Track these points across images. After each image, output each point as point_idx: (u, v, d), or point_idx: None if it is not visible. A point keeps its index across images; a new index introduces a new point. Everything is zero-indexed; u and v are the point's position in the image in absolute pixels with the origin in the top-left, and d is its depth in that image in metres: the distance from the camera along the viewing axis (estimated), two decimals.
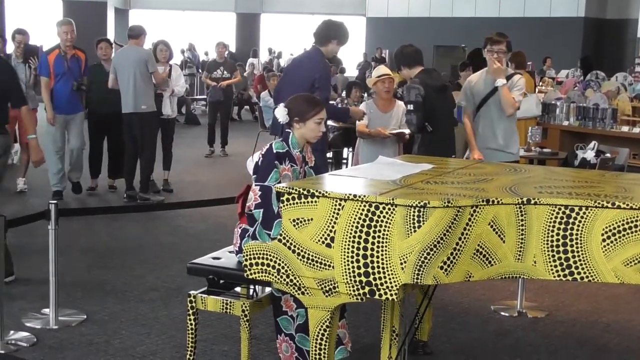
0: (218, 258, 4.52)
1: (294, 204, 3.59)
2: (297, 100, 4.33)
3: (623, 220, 3.54)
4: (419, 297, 4.60)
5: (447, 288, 6.09)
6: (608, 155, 8.14)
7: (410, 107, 6.24)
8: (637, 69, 13.10)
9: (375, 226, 3.44)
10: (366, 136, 7.06)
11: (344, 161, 11.05)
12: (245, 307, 4.23)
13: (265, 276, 3.73)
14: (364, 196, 3.47)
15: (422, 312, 4.51)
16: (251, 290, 4.43)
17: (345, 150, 10.90)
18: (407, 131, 6.78)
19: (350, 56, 26.98)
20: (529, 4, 25.12)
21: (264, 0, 30.83)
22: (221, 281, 4.45)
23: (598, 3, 24.89)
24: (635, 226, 3.54)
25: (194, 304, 4.33)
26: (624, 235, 3.55)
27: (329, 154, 11.45)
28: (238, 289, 4.53)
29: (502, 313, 5.77)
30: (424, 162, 4.68)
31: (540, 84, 11.90)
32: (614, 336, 5.43)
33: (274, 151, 4.15)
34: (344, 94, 12.96)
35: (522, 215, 3.58)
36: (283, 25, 30.72)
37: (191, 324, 4.34)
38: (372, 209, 3.44)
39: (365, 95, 11.60)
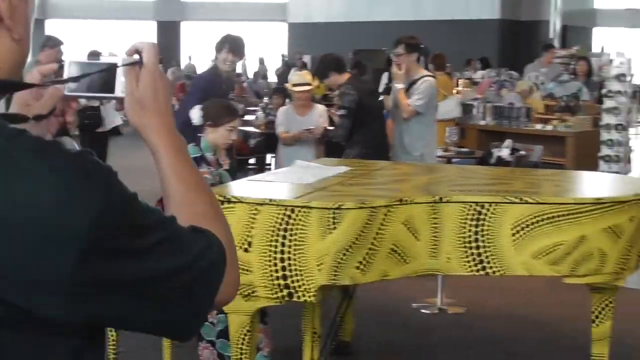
0: None
1: None
2: (214, 105, 4.38)
3: (531, 215, 3.67)
4: (340, 298, 4.67)
5: (370, 288, 6.15)
6: (523, 152, 8.36)
7: (343, 112, 6.35)
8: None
9: (292, 229, 3.49)
10: (289, 142, 7.11)
11: (268, 167, 11.09)
12: None
13: None
14: (280, 200, 3.52)
15: (342, 313, 4.58)
16: None
17: (268, 155, 10.93)
18: (322, 118, 6.87)
19: (274, 62, 27.05)
20: (446, 7, 25.51)
21: (184, 7, 30.68)
22: None
23: (513, 5, 25.44)
24: (542, 220, 3.67)
25: None
26: (532, 229, 3.68)
27: (252, 160, 11.49)
28: None
29: (423, 310, 5.88)
30: (341, 164, 4.75)
31: (459, 85, 12.13)
32: (531, 329, 5.59)
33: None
34: (265, 99, 13.00)
35: (435, 214, 3.67)
36: (205, 32, 30.61)
37: (111, 334, 4.33)
38: (288, 212, 3.49)
39: (287, 100, 11.65)
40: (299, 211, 3.47)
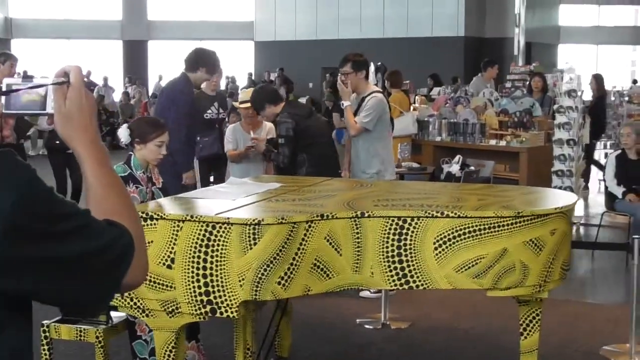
0: None
1: None
2: (140, 122, 4.41)
3: (452, 229, 3.72)
4: (275, 313, 4.70)
5: (313, 304, 6.20)
6: (472, 168, 8.43)
7: (282, 140, 6.39)
8: (507, 85, 13.56)
9: (213, 245, 3.52)
10: (237, 159, 7.13)
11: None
12: (99, 333, 4.25)
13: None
14: (201, 216, 3.55)
15: (276, 327, 4.60)
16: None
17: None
18: (269, 136, 6.90)
19: (243, 80, 27.10)
20: (412, 25, 25.74)
21: (151, 27, 30.67)
22: None
23: (477, 23, 25.71)
24: (464, 234, 3.73)
25: (47, 334, 4.32)
26: (454, 242, 3.73)
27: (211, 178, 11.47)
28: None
29: (367, 326, 5.90)
30: (275, 181, 4.79)
31: (415, 101, 12.21)
32: (472, 341, 5.63)
33: None
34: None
35: (357, 229, 3.71)
36: (172, 51, 30.60)
37: (45, 354, 4.32)
38: (209, 228, 3.52)
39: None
40: (220, 227, 3.50)
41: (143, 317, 3.70)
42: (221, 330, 5.32)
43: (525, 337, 4.28)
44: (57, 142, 9.10)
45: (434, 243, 3.73)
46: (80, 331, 4.28)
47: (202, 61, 6.67)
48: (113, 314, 4.40)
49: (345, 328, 5.87)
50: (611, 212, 8.58)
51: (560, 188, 9.61)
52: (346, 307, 6.34)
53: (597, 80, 12.86)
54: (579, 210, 10.33)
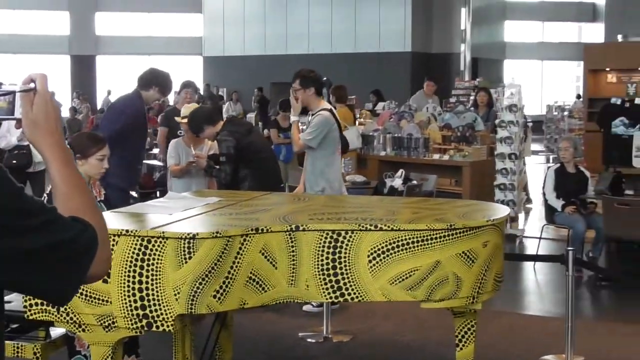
0: (9, 302, 4.48)
1: None
2: (80, 137, 4.42)
3: (386, 242, 3.79)
4: (214, 326, 4.72)
5: (256, 318, 6.22)
6: (414, 182, 8.54)
7: (223, 159, 6.42)
8: (451, 100, 13.76)
9: (149, 259, 3.54)
10: (179, 174, 7.14)
11: None
12: (37, 349, 4.23)
13: (45, 316, 3.75)
14: (136, 231, 3.57)
15: (215, 340, 4.62)
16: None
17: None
18: (212, 152, 6.93)
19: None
20: (360, 40, 25.98)
21: (99, 41, 30.47)
22: (14, 325, 4.43)
23: (424, 38, 26.02)
24: (398, 246, 3.79)
25: None
26: (387, 255, 3.79)
27: (158, 193, 11.43)
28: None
29: (309, 340, 5.94)
30: (214, 195, 4.82)
31: (359, 116, 12.33)
32: (414, 353, 5.70)
33: None
34: None
35: (292, 242, 3.76)
36: (121, 66, 30.42)
37: None
38: (145, 242, 3.54)
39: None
40: (155, 241, 3.53)
41: (79, 331, 3.70)
42: (161, 345, 5.32)
43: (461, 349, 4.35)
44: (15, 161, 9.07)
45: (368, 256, 3.79)
46: (18, 347, 4.26)
47: (156, 81, 6.78)
48: (52, 329, 4.39)
49: (287, 342, 5.91)
50: (551, 224, 8.74)
51: (502, 201, 9.79)
52: (289, 321, 6.37)
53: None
54: (521, 223, 10.52)
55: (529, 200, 11.79)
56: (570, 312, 5.35)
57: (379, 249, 3.78)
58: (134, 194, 10.22)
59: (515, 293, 7.50)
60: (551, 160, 15.98)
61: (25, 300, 3.76)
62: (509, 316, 6.61)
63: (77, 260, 1.63)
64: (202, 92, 27.34)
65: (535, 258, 7.95)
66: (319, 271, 3.77)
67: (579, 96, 25.07)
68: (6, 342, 4.25)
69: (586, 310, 7.27)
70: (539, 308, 7.24)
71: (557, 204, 8.31)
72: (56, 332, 4.42)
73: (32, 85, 1.73)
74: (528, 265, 8.40)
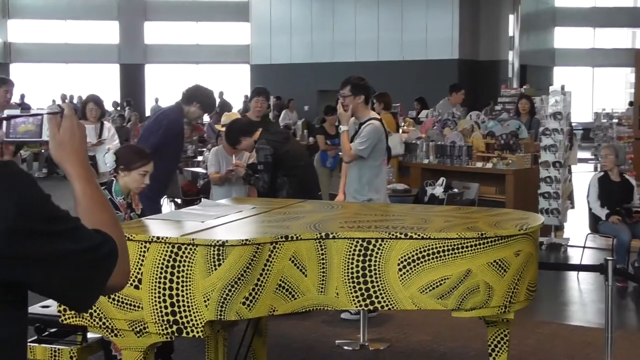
0: (47, 306, 4.57)
1: None
2: (127, 150, 4.49)
3: (416, 250, 3.78)
4: (246, 333, 4.74)
5: (294, 326, 6.24)
6: (456, 190, 8.49)
7: (261, 167, 6.49)
8: (497, 108, 13.64)
9: (179, 266, 3.58)
10: (219, 182, 7.20)
11: None
12: (73, 353, 4.30)
13: (80, 320, 3.81)
14: (166, 238, 3.61)
15: (248, 346, 4.64)
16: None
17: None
18: (251, 160, 6.99)
19: (239, 104, 27.19)
20: (406, 48, 25.90)
21: (147, 50, 30.84)
22: (51, 330, 4.51)
23: (471, 46, 25.86)
24: (428, 255, 3.78)
25: None
26: (417, 264, 3.78)
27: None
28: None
29: (345, 347, 5.94)
30: (250, 203, 4.85)
31: (402, 124, 12.29)
32: None
33: None
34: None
35: (322, 250, 3.77)
36: (169, 74, 30.77)
37: None
38: (175, 249, 3.58)
39: None
40: (185, 248, 3.56)
41: (112, 337, 3.75)
42: (194, 351, 5.37)
43: (494, 358, 4.31)
44: None
45: (398, 264, 3.78)
46: (55, 351, 4.33)
47: (199, 97, 6.84)
48: (89, 334, 4.45)
49: (324, 349, 5.91)
50: (595, 234, 8.63)
51: (547, 210, 9.70)
52: (325, 329, 6.38)
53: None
54: (567, 232, 10.40)
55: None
56: (610, 323, 5.28)
57: (409, 257, 3.77)
58: (178, 200, 10.36)
59: (558, 303, 7.42)
60: (599, 169, 15.76)
61: (60, 305, 3.82)
62: (550, 326, 6.54)
63: (97, 268, 1.71)
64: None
65: (575, 268, 7.84)
66: (348, 279, 3.78)
67: (631, 103, 24.71)
68: (44, 346, 4.34)
69: (629, 321, 7.16)
70: (580, 318, 7.14)
71: (602, 212, 8.19)
72: (93, 336, 4.49)
73: (58, 109, 1.85)
74: (572, 275, 8.30)
